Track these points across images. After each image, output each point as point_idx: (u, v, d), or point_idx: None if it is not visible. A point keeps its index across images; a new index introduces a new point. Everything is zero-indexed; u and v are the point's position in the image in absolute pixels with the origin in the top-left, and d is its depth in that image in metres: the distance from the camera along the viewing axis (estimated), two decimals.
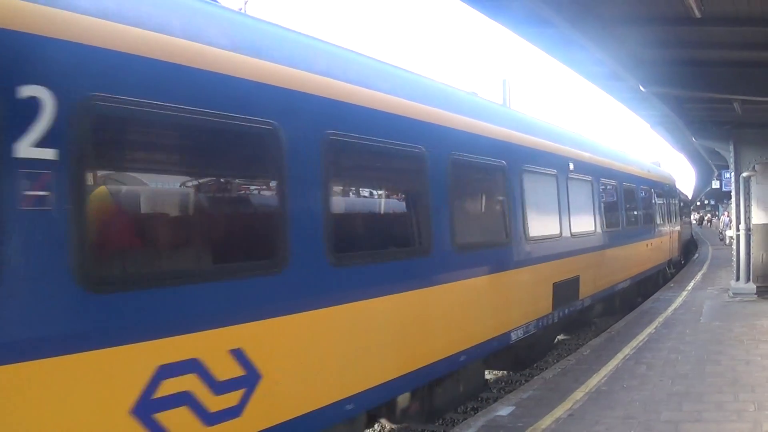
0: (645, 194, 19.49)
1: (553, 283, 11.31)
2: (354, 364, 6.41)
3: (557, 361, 12.18)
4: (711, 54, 12.35)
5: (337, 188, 6.89)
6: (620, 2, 10.09)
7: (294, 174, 5.73)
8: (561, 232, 11.86)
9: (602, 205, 14.52)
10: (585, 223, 13.36)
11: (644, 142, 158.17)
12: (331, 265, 6.07)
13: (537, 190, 11.12)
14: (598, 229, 14.14)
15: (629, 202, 17.28)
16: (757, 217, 19.16)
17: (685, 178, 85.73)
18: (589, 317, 15.56)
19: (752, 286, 18.41)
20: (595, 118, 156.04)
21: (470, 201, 9.72)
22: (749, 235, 18.72)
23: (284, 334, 5.60)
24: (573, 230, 12.32)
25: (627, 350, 11.77)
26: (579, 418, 8.08)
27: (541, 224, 11.14)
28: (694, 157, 35.04)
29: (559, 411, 8.38)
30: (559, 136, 12.71)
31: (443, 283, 7.87)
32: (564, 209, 12.08)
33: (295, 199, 5.73)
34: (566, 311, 12.01)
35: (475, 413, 9.37)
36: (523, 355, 11.65)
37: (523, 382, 11.33)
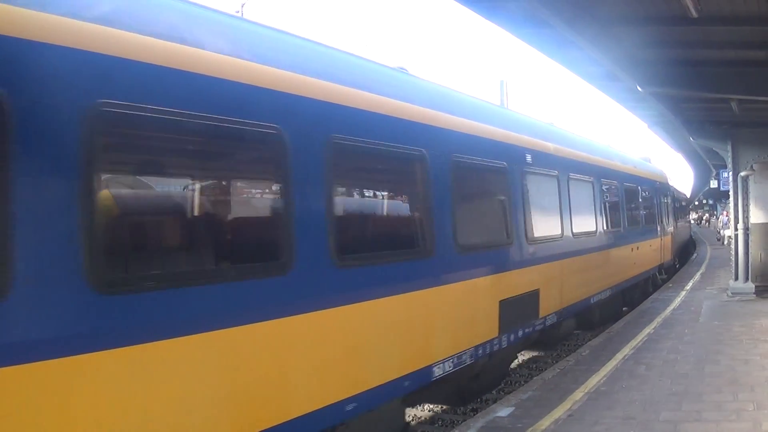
0: (631, 193, 17.44)
1: (500, 301, 9.29)
2: (152, 426, 4.56)
3: (556, 362, 12.16)
4: (708, 54, 12.37)
5: (109, 177, 4.81)
6: (617, 2, 10.10)
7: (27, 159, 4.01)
8: (513, 238, 9.85)
9: (573, 205, 12.50)
10: (549, 226, 11.49)
11: (642, 142, 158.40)
12: (98, 293, 4.27)
13: (477, 187, 9.45)
14: (568, 233, 12.22)
15: (610, 201, 15.55)
16: (756, 217, 19.19)
17: (683, 177, 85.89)
18: (558, 335, 13.49)
19: (751, 286, 18.42)
20: (594, 119, 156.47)
21: (367, 202, 7.97)
22: (747, 234, 18.73)
23: None
24: (531, 235, 10.45)
25: (626, 350, 11.76)
26: (578, 419, 8.07)
27: (482, 229, 9.45)
28: (692, 156, 35.08)
29: (559, 412, 8.37)
30: (511, 122, 10.72)
31: (314, 311, 5.98)
32: (517, 210, 10.11)
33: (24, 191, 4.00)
34: (520, 333, 10.06)
35: (474, 414, 9.37)
36: (468, 387, 9.75)
37: (522, 382, 11.31)
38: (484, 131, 9.31)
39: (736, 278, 18.78)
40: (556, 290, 11.62)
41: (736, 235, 18.89)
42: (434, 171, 7.84)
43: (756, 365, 10.27)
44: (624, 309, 17.76)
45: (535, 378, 10.65)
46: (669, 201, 24.12)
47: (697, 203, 75.18)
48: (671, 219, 24.79)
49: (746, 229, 18.73)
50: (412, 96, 7.86)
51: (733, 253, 19.24)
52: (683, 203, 35.00)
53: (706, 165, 34.72)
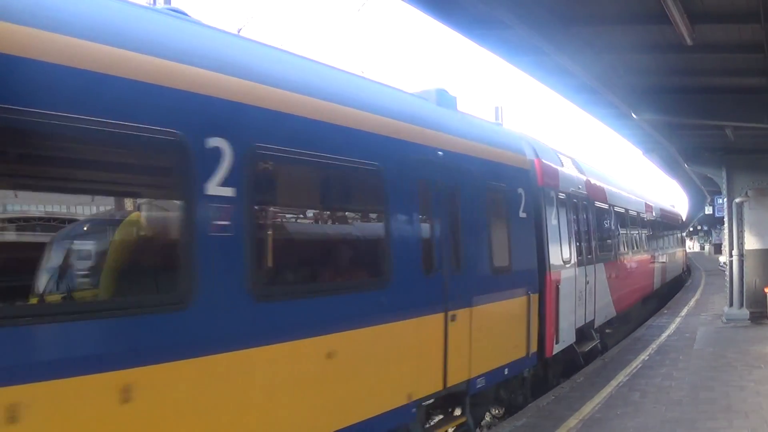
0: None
1: None
2: None
3: (551, 389, 12.08)
4: (702, 81, 12.47)
5: None
6: (612, 31, 10.18)
7: None
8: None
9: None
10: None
11: (637, 166, 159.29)
12: None
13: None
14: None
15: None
16: (750, 243, 19.23)
17: (678, 203, 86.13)
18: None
19: (745, 312, 18.40)
20: (590, 144, 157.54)
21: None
22: (742, 260, 18.75)
23: None
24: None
25: (621, 377, 11.70)
26: None
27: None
28: (687, 183, 35.22)
29: None
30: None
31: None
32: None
33: None
34: None
35: None
36: None
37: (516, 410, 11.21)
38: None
39: (731, 304, 18.77)
40: None
41: (731, 262, 18.91)
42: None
43: (751, 391, 10.22)
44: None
45: (529, 405, 10.56)
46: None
47: (691, 229, 75.29)
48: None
49: (741, 255, 18.75)
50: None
51: (727, 279, 19.25)
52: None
53: (700, 191, 34.86)
